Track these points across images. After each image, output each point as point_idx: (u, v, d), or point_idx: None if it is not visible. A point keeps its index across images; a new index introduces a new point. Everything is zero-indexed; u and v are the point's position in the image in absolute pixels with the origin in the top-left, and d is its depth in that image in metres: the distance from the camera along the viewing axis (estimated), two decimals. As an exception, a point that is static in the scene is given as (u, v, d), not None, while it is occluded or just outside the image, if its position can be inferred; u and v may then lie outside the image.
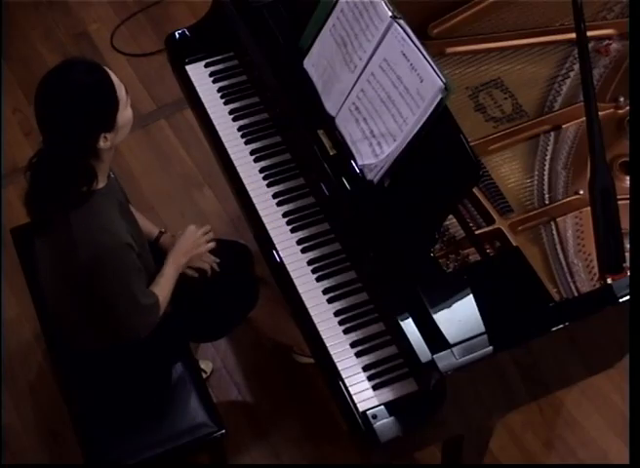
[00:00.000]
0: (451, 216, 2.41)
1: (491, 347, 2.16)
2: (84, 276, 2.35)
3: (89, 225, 2.31)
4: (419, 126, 2.29)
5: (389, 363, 2.36)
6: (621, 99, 2.65)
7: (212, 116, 2.83)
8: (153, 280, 2.55)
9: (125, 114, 2.31)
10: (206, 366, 3.14)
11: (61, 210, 2.32)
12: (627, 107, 2.64)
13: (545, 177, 2.55)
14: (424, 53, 2.27)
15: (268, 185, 2.68)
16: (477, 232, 2.41)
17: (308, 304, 2.47)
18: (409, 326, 2.26)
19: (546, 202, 2.51)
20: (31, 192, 2.36)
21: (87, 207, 2.31)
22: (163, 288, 2.54)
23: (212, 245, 2.68)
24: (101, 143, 2.27)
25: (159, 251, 2.72)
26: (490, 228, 2.42)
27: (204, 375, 3.07)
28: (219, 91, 2.88)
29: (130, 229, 2.41)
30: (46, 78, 2.25)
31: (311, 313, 2.46)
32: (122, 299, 2.39)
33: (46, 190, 2.33)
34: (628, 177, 2.52)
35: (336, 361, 2.38)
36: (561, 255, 2.42)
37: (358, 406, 2.30)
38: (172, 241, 2.72)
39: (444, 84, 2.22)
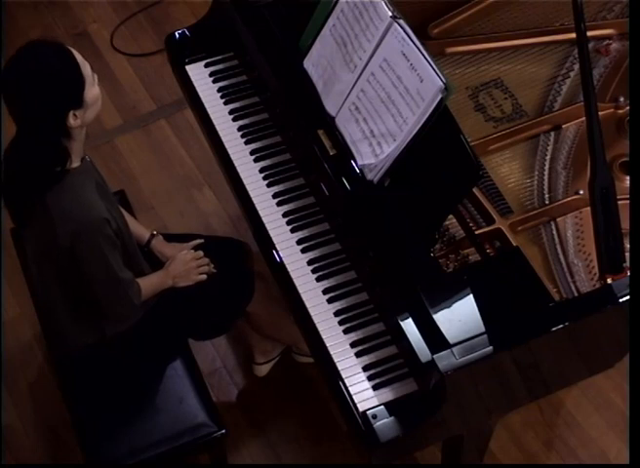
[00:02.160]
0: (451, 216, 2.41)
1: (491, 347, 2.16)
2: (63, 253, 2.37)
3: (64, 202, 2.34)
4: (419, 126, 2.29)
5: (389, 363, 2.37)
6: (621, 99, 2.65)
7: (212, 116, 2.83)
8: (138, 267, 2.58)
9: (92, 91, 2.32)
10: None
11: (37, 191, 2.35)
12: (627, 107, 2.64)
13: (545, 177, 2.56)
14: (424, 53, 2.27)
15: (268, 185, 2.68)
16: (477, 232, 2.41)
17: (308, 304, 2.47)
18: (409, 326, 2.26)
19: (546, 202, 2.51)
20: (6, 180, 2.41)
21: (61, 185, 2.35)
22: (144, 287, 2.56)
23: (202, 277, 2.68)
24: (71, 121, 2.29)
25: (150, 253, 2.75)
26: (490, 228, 2.42)
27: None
28: (219, 91, 2.88)
29: (109, 208, 2.43)
30: (10, 61, 2.28)
31: (311, 313, 2.46)
32: (100, 273, 2.41)
33: (20, 173, 2.37)
34: (628, 177, 2.52)
35: (336, 361, 2.38)
36: (561, 255, 2.42)
37: (358, 406, 2.30)
38: (163, 245, 2.75)
39: (444, 84, 2.22)
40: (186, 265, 2.67)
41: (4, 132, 3.76)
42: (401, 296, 2.30)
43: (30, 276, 2.79)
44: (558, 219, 2.48)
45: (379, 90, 2.39)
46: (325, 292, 2.49)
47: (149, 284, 2.60)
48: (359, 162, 2.44)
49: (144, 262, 2.66)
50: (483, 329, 2.18)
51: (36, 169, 2.34)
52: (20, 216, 2.49)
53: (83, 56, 2.33)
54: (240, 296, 2.77)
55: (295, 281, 2.51)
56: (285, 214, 2.62)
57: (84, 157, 2.43)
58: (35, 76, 2.25)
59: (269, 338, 3.08)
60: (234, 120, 2.82)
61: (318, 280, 2.51)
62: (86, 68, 2.31)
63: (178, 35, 2.94)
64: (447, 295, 2.25)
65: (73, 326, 2.57)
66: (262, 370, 3.12)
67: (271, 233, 2.60)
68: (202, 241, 2.80)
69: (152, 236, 2.77)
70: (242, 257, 2.85)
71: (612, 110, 2.66)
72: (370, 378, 2.35)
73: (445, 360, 2.14)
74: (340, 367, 2.37)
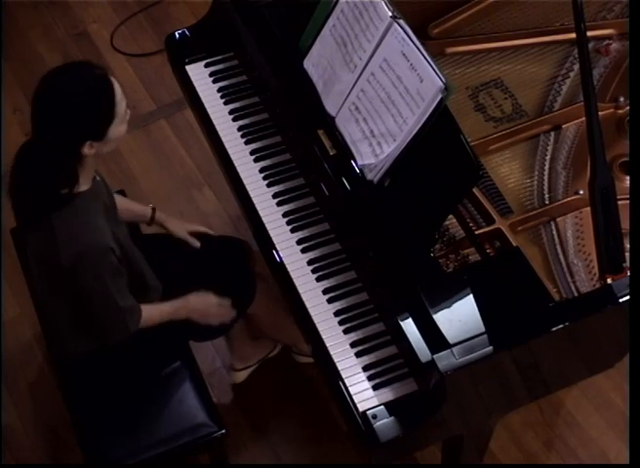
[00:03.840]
0: (451, 216, 2.41)
1: (491, 347, 2.16)
2: (65, 275, 2.35)
3: (70, 226, 2.31)
4: (419, 126, 2.29)
5: (389, 363, 2.37)
6: (621, 99, 2.66)
7: (212, 116, 2.83)
8: (140, 280, 2.56)
9: (119, 129, 2.29)
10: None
11: (43, 211, 2.32)
12: (627, 107, 2.64)
13: (545, 177, 2.56)
14: (424, 53, 2.27)
15: (268, 185, 2.68)
16: (477, 232, 2.41)
17: (308, 304, 2.47)
18: (409, 326, 2.26)
19: (546, 202, 2.51)
20: (12, 187, 2.36)
21: (69, 208, 2.31)
22: (151, 315, 2.53)
23: (216, 323, 2.66)
24: (86, 150, 2.25)
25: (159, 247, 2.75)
26: (490, 228, 2.42)
27: (279, 345, 3.12)
28: (219, 91, 2.88)
29: (115, 232, 2.41)
30: (54, 71, 2.25)
31: (311, 313, 2.46)
32: (99, 299, 2.39)
33: (26, 188, 2.33)
34: (628, 177, 2.52)
35: (336, 361, 2.38)
36: (561, 255, 2.42)
37: (358, 406, 2.30)
38: (166, 219, 2.77)
39: (444, 84, 2.22)
40: (208, 306, 2.64)
41: (4, 131, 3.77)
42: (401, 296, 2.30)
43: (30, 276, 2.79)
44: (558, 219, 2.48)
45: (378, 90, 2.39)
46: (325, 292, 2.49)
47: (159, 312, 2.56)
48: (359, 162, 2.44)
49: (156, 280, 2.65)
50: (483, 329, 2.18)
51: (42, 187, 2.29)
52: (25, 223, 2.46)
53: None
54: (241, 298, 2.77)
55: (295, 281, 2.51)
56: (285, 214, 2.62)
57: (95, 176, 2.40)
58: (67, 96, 2.21)
59: (271, 339, 3.08)
60: (234, 120, 2.82)
61: (318, 280, 2.51)
62: (121, 105, 2.26)
63: (178, 35, 2.94)
64: (447, 295, 2.25)
65: (73, 333, 2.55)
66: (240, 376, 3.11)
67: (271, 233, 2.60)
68: (208, 231, 2.82)
69: (153, 210, 2.77)
70: (244, 258, 2.85)
71: (612, 110, 2.66)
72: (370, 378, 2.35)
73: (445, 360, 2.14)
74: (339, 367, 2.37)
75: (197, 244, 2.80)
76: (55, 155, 2.26)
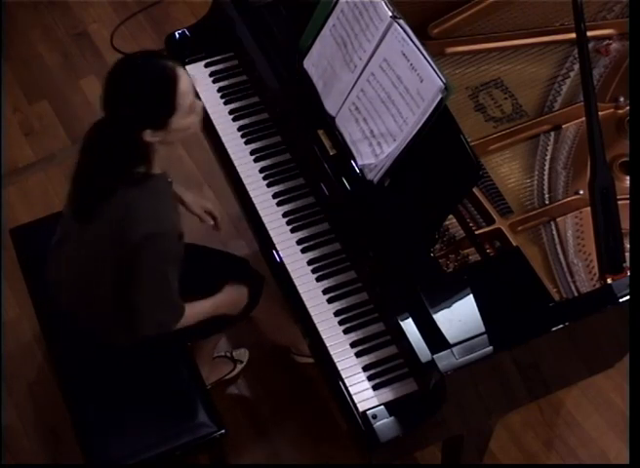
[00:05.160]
0: (451, 216, 2.41)
1: (491, 347, 2.16)
2: (128, 253, 2.30)
3: (146, 203, 2.29)
4: (419, 126, 2.29)
5: (389, 363, 2.37)
6: (621, 99, 2.66)
7: (212, 116, 2.83)
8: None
9: (184, 121, 2.26)
10: (242, 355, 3.17)
11: (113, 187, 2.29)
12: (627, 107, 2.64)
13: (545, 177, 2.56)
14: (424, 53, 2.27)
15: (268, 185, 2.68)
16: (477, 232, 2.41)
17: (308, 304, 2.47)
18: (409, 326, 2.26)
19: (546, 202, 2.51)
20: (81, 166, 2.34)
21: (144, 187, 2.29)
22: (195, 314, 2.51)
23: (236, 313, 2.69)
24: (147, 137, 2.24)
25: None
26: (490, 228, 2.42)
27: (240, 366, 3.14)
28: (219, 91, 2.88)
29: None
30: (126, 57, 2.29)
31: (311, 313, 2.46)
32: (154, 284, 2.36)
33: (97, 164, 2.30)
34: (628, 177, 2.52)
35: (336, 361, 2.38)
36: (561, 255, 2.42)
37: (358, 406, 2.30)
38: (183, 191, 2.71)
39: (444, 84, 2.22)
40: (241, 296, 2.67)
41: (4, 131, 3.77)
42: (401, 296, 2.30)
43: (30, 276, 2.79)
44: (558, 219, 2.48)
45: (378, 90, 2.39)
46: (325, 292, 2.49)
47: (200, 309, 2.54)
48: (359, 162, 2.44)
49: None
50: (483, 329, 2.18)
51: (114, 163, 2.28)
52: (84, 209, 2.40)
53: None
54: (247, 302, 2.76)
55: (295, 281, 2.51)
56: (285, 214, 2.62)
57: (167, 178, 2.39)
58: (128, 82, 2.21)
59: (271, 340, 3.07)
60: (234, 120, 2.82)
61: (318, 280, 2.51)
62: (185, 98, 2.23)
63: (178, 35, 2.95)
64: (447, 295, 2.25)
65: (111, 322, 2.51)
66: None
67: (271, 233, 2.60)
68: (216, 215, 2.79)
69: (170, 184, 2.63)
70: (250, 265, 2.82)
71: (612, 110, 2.66)
72: (370, 378, 2.35)
73: (445, 360, 2.14)
74: (339, 367, 2.37)
75: (210, 221, 2.77)
76: (122, 136, 2.25)
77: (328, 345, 2.41)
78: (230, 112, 2.83)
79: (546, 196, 2.52)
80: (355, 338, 2.41)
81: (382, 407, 2.28)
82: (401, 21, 2.33)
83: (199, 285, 2.62)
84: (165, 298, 2.41)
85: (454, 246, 2.42)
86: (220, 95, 2.87)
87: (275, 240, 2.58)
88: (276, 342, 3.10)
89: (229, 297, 2.65)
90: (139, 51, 2.33)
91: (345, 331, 2.42)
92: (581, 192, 2.49)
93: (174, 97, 2.22)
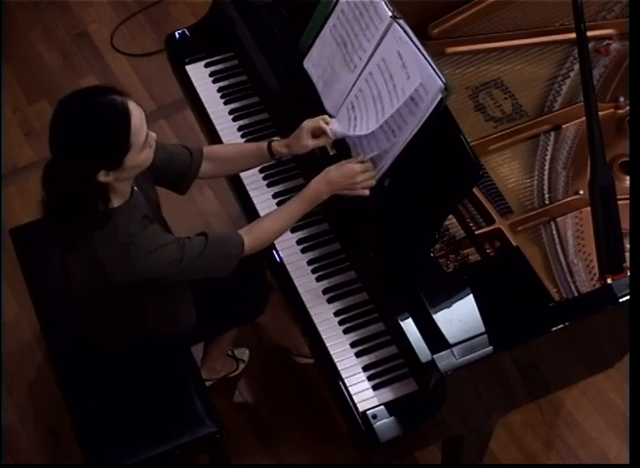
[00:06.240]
0: (451, 216, 2.41)
1: (491, 347, 2.16)
2: (119, 283, 2.26)
3: (110, 244, 2.20)
4: (418, 126, 2.29)
5: (389, 363, 2.37)
6: (621, 99, 2.66)
7: (212, 116, 2.83)
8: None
9: (138, 157, 2.14)
10: (243, 354, 3.16)
11: (79, 228, 2.21)
12: (627, 107, 2.64)
13: (545, 177, 2.56)
14: (424, 53, 2.27)
15: (268, 185, 2.68)
16: (477, 232, 2.41)
17: (308, 304, 2.47)
18: (409, 326, 2.26)
19: (546, 202, 2.51)
20: (46, 206, 2.24)
21: (108, 226, 2.19)
22: (282, 218, 2.36)
23: (365, 192, 2.37)
24: (102, 178, 2.12)
25: None
26: (490, 228, 2.42)
27: (242, 365, 3.14)
28: (219, 91, 2.88)
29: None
30: (69, 96, 2.13)
31: (311, 313, 2.46)
32: (163, 269, 2.26)
33: (59, 208, 2.21)
34: (628, 177, 2.52)
35: (336, 361, 2.38)
36: (561, 255, 2.42)
37: (358, 406, 2.31)
38: (284, 142, 2.46)
39: (444, 84, 2.22)
40: (353, 175, 2.35)
41: (4, 131, 3.77)
42: (401, 296, 2.30)
43: (30, 276, 2.79)
44: (558, 219, 2.48)
45: (374, 89, 2.38)
46: (325, 291, 2.49)
47: (288, 213, 2.37)
48: (359, 162, 2.43)
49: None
50: (483, 329, 2.18)
51: (74, 206, 2.17)
52: (63, 241, 2.33)
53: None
54: (252, 309, 2.75)
55: (295, 281, 2.51)
56: (285, 214, 2.62)
57: (132, 187, 2.27)
58: (78, 125, 2.09)
59: (274, 343, 3.06)
60: (234, 120, 2.82)
61: (318, 280, 2.51)
62: (139, 135, 2.11)
63: (178, 35, 2.95)
64: (447, 295, 2.25)
65: (116, 317, 2.48)
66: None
67: (271, 233, 2.59)
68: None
69: (270, 142, 2.48)
70: (258, 269, 2.80)
71: (612, 110, 2.66)
72: (370, 378, 2.35)
73: (445, 360, 2.14)
74: (340, 367, 2.37)
75: (330, 136, 2.43)
76: (73, 181, 2.14)
77: (328, 345, 2.41)
78: (230, 112, 2.84)
79: (546, 196, 2.52)
80: (355, 338, 2.42)
81: (382, 407, 2.28)
82: (401, 21, 2.33)
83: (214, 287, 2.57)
84: (178, 261, 2.26)
85: (454, 246, 2.42)
86: (219, 95, 2.87)
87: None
88: (279, 345, 3.10)
89: (331, 179, 2.37)
90: (85, 87, 2.16)
91: (345, 331, 2.42)
92: (581, 192, 2.49)
93: (127, 135, 2.10)
